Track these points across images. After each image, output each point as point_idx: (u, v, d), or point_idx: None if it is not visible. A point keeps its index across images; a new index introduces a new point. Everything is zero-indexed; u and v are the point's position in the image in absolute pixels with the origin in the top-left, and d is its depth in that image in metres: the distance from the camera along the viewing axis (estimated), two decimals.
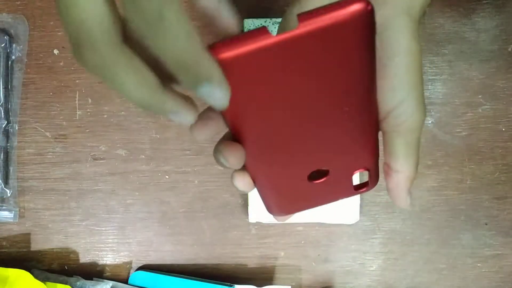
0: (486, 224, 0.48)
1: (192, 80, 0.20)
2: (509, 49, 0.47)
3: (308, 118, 0.24)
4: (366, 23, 0.21)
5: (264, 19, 0.45)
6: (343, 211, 0.45)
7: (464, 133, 0.47)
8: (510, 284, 0.48)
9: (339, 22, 0.20)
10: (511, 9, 0.47)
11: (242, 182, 0.28)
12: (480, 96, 0.47)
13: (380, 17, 0.26)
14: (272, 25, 0.45)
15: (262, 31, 0.21)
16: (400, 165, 0.28)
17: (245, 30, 0.45)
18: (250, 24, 0.45)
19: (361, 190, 0.30)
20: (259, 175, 0.28)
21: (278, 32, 0.21)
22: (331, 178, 0.28)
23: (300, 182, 0.28)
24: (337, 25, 0.21)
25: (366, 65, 0.23)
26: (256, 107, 0.23)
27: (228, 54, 0.21)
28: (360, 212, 0.46)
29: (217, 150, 0.26)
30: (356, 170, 0.28)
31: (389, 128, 0.27)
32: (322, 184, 0.28)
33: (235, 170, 0.28)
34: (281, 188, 0.29)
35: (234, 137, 0.25)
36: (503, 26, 0.47)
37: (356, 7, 0.20)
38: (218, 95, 0.21)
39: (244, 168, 0.28)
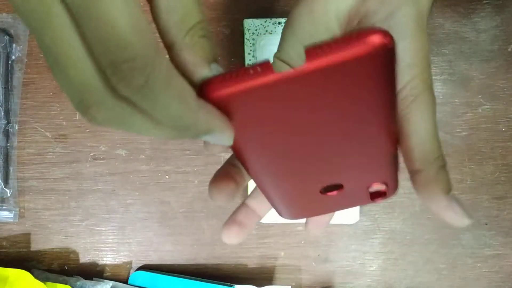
0: (486, 224, 0.48)
1: (192, 135, 0.20)
2: (509, 49, 0.47)
3: (319, 142, 0.23)
4: (385, 58, 0.19)
5: (264, 19, 0.45)
6: (343, 211, 0.45)
7: (464, 133, 0.47)
8: (510, 284, 0.48)
9: (352, 60, 0.18)
10: (511, 9, 0.47)
11: (228, 235, 0.29)
12: (480, 96, 0.47)
13: (386, 9, 0.26)
14: (272, 25, 0.45)
15: (265, 67, 0.19)
16: (412, 163, 0.25)
17: (245, 30, 0.45)
18: (250, 24, 0.45)
19: (377, 199, 0.28)
20: (267, 188, 0.27)
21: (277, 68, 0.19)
22: (345, 191, 0.27)
23: (312, 195, 0.27)
24: (350, 62, 0.18)
25: (384, 95, 0.21)
26: (259, 136, 0.22)
27: (226, 92, 0.19)
28: (360, 212, 0.46)
29: (209, 185, 0.26)
30: (372, 183, 0.27)
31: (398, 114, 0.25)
32: (335, 196, 0.27)
33: (224, 225, 0.29)
34: (291, 200, 0.28)
35: (237, 159, 0.25)
36: (503, 26, 0.47)
37: (373, 41, 0.18)
38: (220, 139, 0.21)
39: (232, 220, 0.29)
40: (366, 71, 0.19)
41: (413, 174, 0.25)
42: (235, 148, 0.23)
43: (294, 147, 0.23)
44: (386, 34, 0.18)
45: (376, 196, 0.28)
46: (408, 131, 0.25)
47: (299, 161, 0.24)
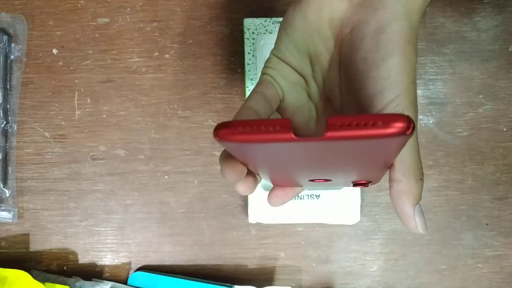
0: (487, 225, 0.47)
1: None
2: (510, 49, 0.47)
3: (317, 166, 0.25)
4: (404, 140, 0.20)
5: (264, 19, 0.45)
6: (344, 211, 0.45)
7: (465, 133, 0.47)
8: (511, 285, 0.48)
9: (372, 138, 0.19)
10: (511, 9, 0.47)
11: (244, 186, 0.28)
12: (481, 96, 0.47)
13: (378, 21, 0.26)
14: (272, 24, 0.45)
15: (285, 127, 0.19)
16: (394, 172, 0.27)
17: (245, 29, 0.45)
18: (250, 23, 0.45)
19: (358, 186, 0.30)
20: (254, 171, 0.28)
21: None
22: (332, 182, 0.28)
23: (300, 180, 0.29)
24: (369, 139, 0.19)
25: (391, 156, 0.23)
26: (263, 162, 0.24)
27: (242, 138, 0.20)
28: (361, 213, 0.46)
29: (220, 161, 0.27)
30: (357, 181, 0.28)
31: None
32: (321, 181, 0.29)
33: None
34: (279, 180, 0.30)
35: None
36: (504, 26, 0.47)
37: (396, 128, 0.18)
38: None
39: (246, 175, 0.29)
40: (380, 145, 0.20)
41: (391, 181, 0.27)
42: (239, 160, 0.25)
43: (292, 167, 0.25)
44: (410, 122, 0.19)
45: (358, 184, 0.29)
46: None
47: (294, 171, 0.26)
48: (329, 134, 0.19)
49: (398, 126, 0.18)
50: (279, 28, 0.30)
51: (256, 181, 0.29)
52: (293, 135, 0.19)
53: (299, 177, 0.28)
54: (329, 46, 0.29)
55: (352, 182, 0.29)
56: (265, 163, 0.25)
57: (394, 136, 0.18)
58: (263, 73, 0.30)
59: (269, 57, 0.31)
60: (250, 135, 0.20)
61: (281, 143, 0.20)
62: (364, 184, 0.29)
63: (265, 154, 0.22)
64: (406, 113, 0.26)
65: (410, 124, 0.18)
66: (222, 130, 0.20)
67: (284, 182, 0.30)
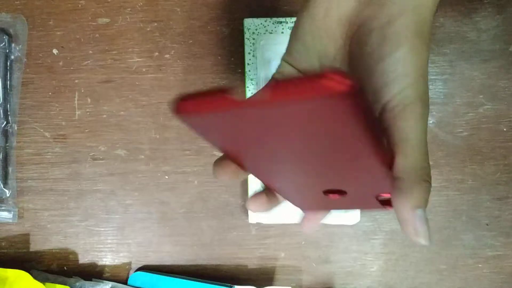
0: (487, 225, 0.47)
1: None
2: (510, 49, 0.47)
3: (308, 160, 0.23)
4: (342, 101, 0.17)
5: (264, 19, 0.45)
6: (344, 211, 0.45)
7: (465, 133, 0.47)
8: (511, 285, 0.48)
9: (311, 100, 0.17)
10: None
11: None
12: (481, 96, 0.47)
13: (386, 15, 0.26)
14: (272, 24, 0.45)
15: (222, 90, 0.18)
16: (394, 169, 0.24)
17: (245, 29, 0.45)
18: (250, 23, 0.45)
19: (388, 207, 0.27)
20: (271, 186, 0.28)
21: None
22: (349, 196, 0.26)
23: (315, 194, 0.27)
24: (309, 102, 0.17)
25: (358, 131, 0.19)
26: (246, 148, 0.23)
27: (189, 111, 0.19)
28: (361, 213, 0.46)
29: (213, 165, 0.27)
30: (379, 194, 0.26)
31: (386, 124, 0.25)
32: (339, 198, 0.27)
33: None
34: (295, 194, 0.28)
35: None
36: (504, 26, 0.47)
37: (326, 85, 0.16)
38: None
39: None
40: (328, 111, 0.18)
41: (394, 180, 0.24)
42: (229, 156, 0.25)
43: (282, 161, 0.23)
44: (342, 79, 0.16)
45: (387, 203, 0.26)
46: (394, 140, 0.24)
47: (291, 171, 0.24)
48: (273, 93, 0.17)
49: (328, 83, 0.16)
50: (290, 33, 0.30)
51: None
52: (232, 97, 0.18)
53: (311, 189, 0.26)
54: (338, 46, 0.29)
55: (377, 199, 0.26)
56: (253, 157, 0.24)
57: (327, 95, 0.16)
58: (273, 78, 0.31)
59: (280, 63, 0.31)
60: (193, 107, 0.19)
61: (231, 111, 0.18)
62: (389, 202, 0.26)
63: (233, 133, 0.21)
64: (413, 108, 0.24)
65: (344, 80, 0.16)
66: (177, 105, 0.20)
67: (301, 201, 0.29)
